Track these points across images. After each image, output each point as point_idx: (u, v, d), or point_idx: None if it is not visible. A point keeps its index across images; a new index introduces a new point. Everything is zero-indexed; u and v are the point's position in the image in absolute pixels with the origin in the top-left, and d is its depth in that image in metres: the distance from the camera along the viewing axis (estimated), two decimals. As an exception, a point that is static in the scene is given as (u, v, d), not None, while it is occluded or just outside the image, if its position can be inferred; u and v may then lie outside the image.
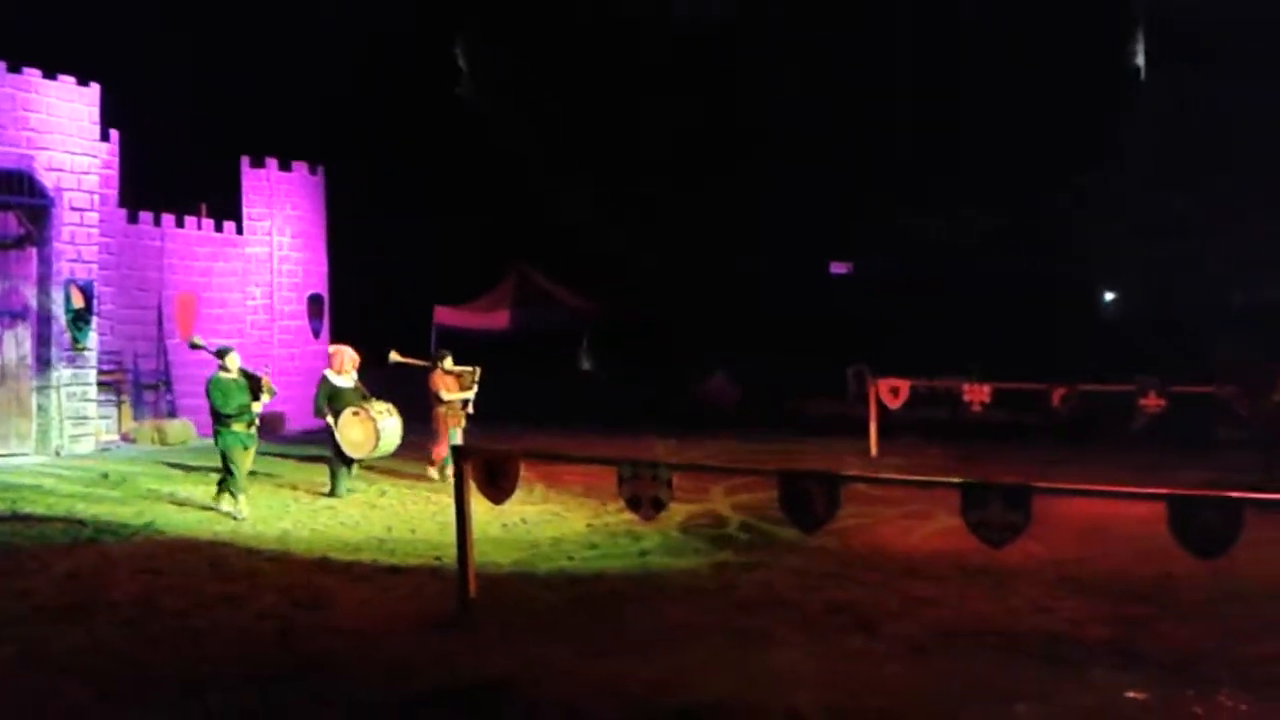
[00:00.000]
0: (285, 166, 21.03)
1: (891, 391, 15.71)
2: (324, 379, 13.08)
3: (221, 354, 11.86)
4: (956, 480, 8.24)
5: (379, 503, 12.70)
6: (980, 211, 21.74)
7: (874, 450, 16.23)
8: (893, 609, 8.32)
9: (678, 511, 11.54)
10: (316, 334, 21.31)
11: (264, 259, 20.63)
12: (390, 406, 13.17)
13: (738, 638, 7.60)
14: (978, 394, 15.75)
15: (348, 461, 12.95)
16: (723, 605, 8.44)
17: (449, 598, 8.28)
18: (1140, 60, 17.81)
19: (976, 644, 7.48)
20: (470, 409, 14.13)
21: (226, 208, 20.53)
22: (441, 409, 13.90)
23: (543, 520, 11.57)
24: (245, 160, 20.82)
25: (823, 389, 21.24)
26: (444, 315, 21.73)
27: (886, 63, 22.32)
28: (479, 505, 8.31)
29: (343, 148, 23.36)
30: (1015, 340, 18.79)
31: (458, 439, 13.64)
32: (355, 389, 13.11)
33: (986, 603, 8.51)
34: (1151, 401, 15.42)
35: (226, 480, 11.73)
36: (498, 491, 8.14)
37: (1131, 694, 6.46)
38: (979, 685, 6.62)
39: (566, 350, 19.30)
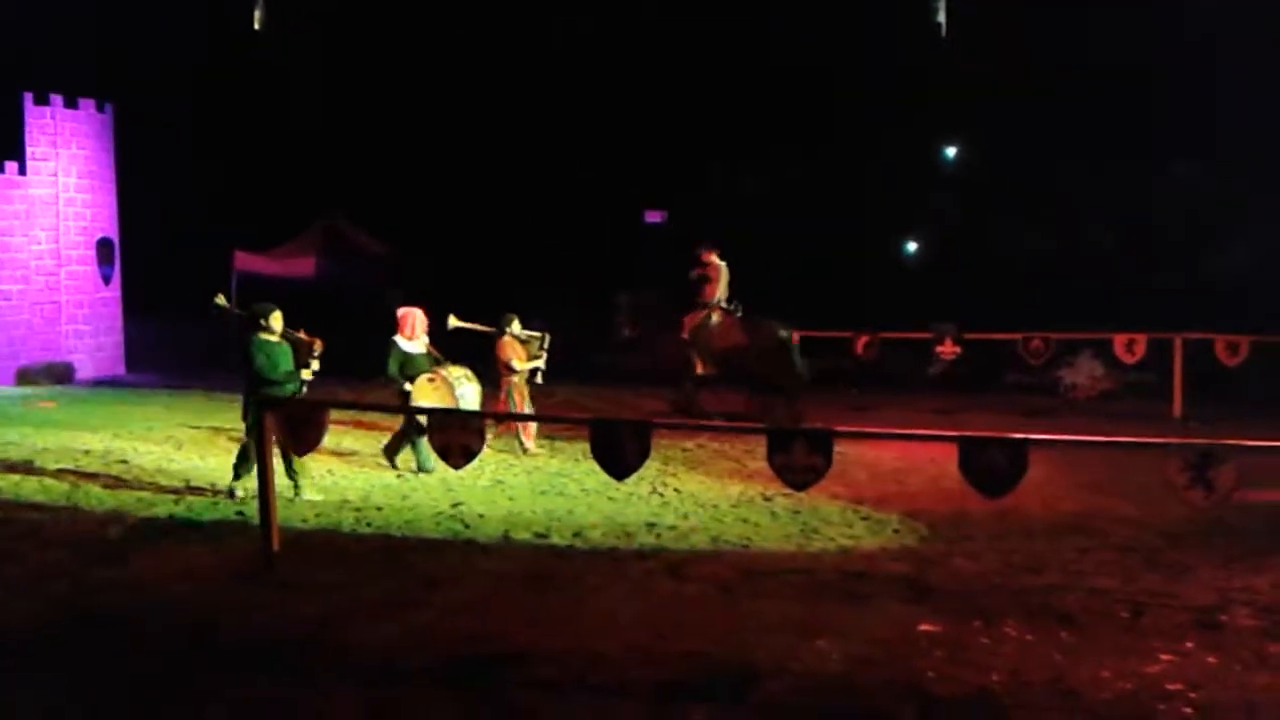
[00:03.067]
0: (71, 104, 19.72)
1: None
2: (393, 345, 11.72)
3: (261, 313, 10.14)
4: (762, 426, 8.43)
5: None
6: (786, 161, 22.17)
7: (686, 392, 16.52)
8: (703, 552, 8.48)
9: (489, 460, 11.46)
10: (106, 280, 20.18)
11: (49, 201, 19.34)
12: (468, 371, 12.09)
13: (548, 586, 7.60)
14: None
15: (423, 431, 11.20)
16: (535, 554, 8.43)
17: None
18: (942, 17, 18.39)
19: (781, 583, 7.70)
20: (540, 379, 13.00)
21: (7, 147, 19.16)
22: (514, 379, 12.66)
23: (352, 472, 11.31)
24: (28, 97, 19.46)
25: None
26: (245, 261, 20.82)
27: (694, 6, 22.42)
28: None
29: (134, 85, 22.04)
30: (821, 288, 19.30)
31: (529, 411, 12.69)
32: (427, 355, 11.94)
33: (792, 543, 8.76)
34: (947, 348, 16.09)
35: (242, 459, 10.13)
36: (302, 443, 7.90)
37: (925, 626, 6.76)
38: (782, 622, 6.81)
39: (377, 300, 18.76)
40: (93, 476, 10.96)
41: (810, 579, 7.80)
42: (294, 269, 20.96)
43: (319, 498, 10.09)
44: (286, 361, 10.08)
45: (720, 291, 14.54)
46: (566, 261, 21.48)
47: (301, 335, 10.35)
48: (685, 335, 14.47)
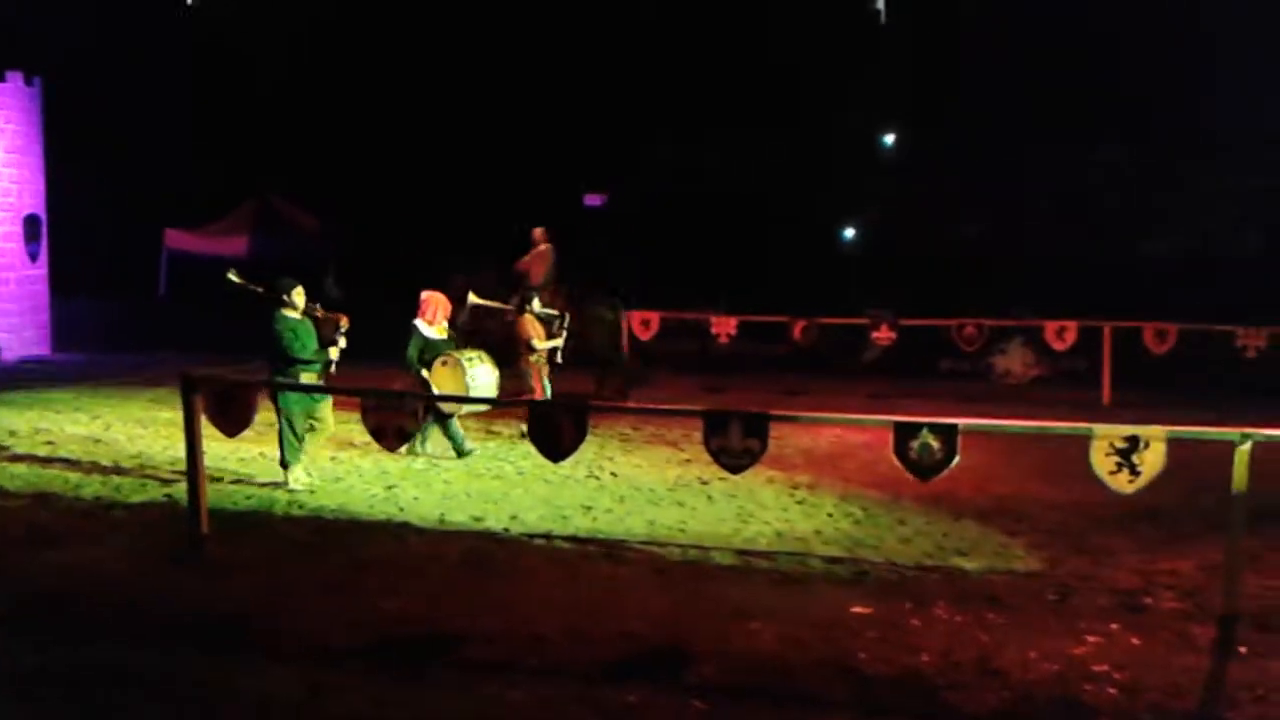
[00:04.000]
0: (-3, 76, 19.21)
1: (643, 324, 15.92)
2: (414, 331, 11.31)
3: (283, 289, 9.67)
4: (699, 409, 8.44)
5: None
6: (725, 147, 22.24)
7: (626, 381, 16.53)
8: (639, 535, 8.49)
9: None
10: (33, 257, 19.71)
11: (-28, 176, 18.86)
12: (481, 353, 11.68)
13: (485, 569, 7.58)
14: (724, 326, 16.18)
15: (443, 417, 11.16)
16: (470, 538, 8.39)
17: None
18: (881, 4, 18.56)
19: (717, 566, 7.74)
20: (560, 359, 12.58)
21: (-71, 119, 18.60)
22: (534, 358, 12.29)
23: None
24: (-48, 68, 18.91)
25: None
26: (176, 239, 20.52)
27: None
28: (218, 438, 7.93)
29: (63, 58, 21.52)
30: (760, 273, 19.41)
31: (548, 391, 12.34)
32: (448, 340, 11.59)
33: (728, 526, 8.79)
34: (883, 334, 16.25)
35: (284, 444, 9.69)
36: (230, 424, 7.78)
37: (857, 608, 6.83)
38: (717, 604, 6.85)
39: (311, 277, 18.50)
40: (20, 458, 10.72)
41: (746, 562, 7.84)
42: (226, 246, 20.65)
43: (311, 483, 9.79)
44: (312, 339, 9.71)
45: (544, 273, 14.29)
46: (505, 244, 21.37)
47: (321, 312, 9.99)
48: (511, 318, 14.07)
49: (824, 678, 5.81)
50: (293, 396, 9.51)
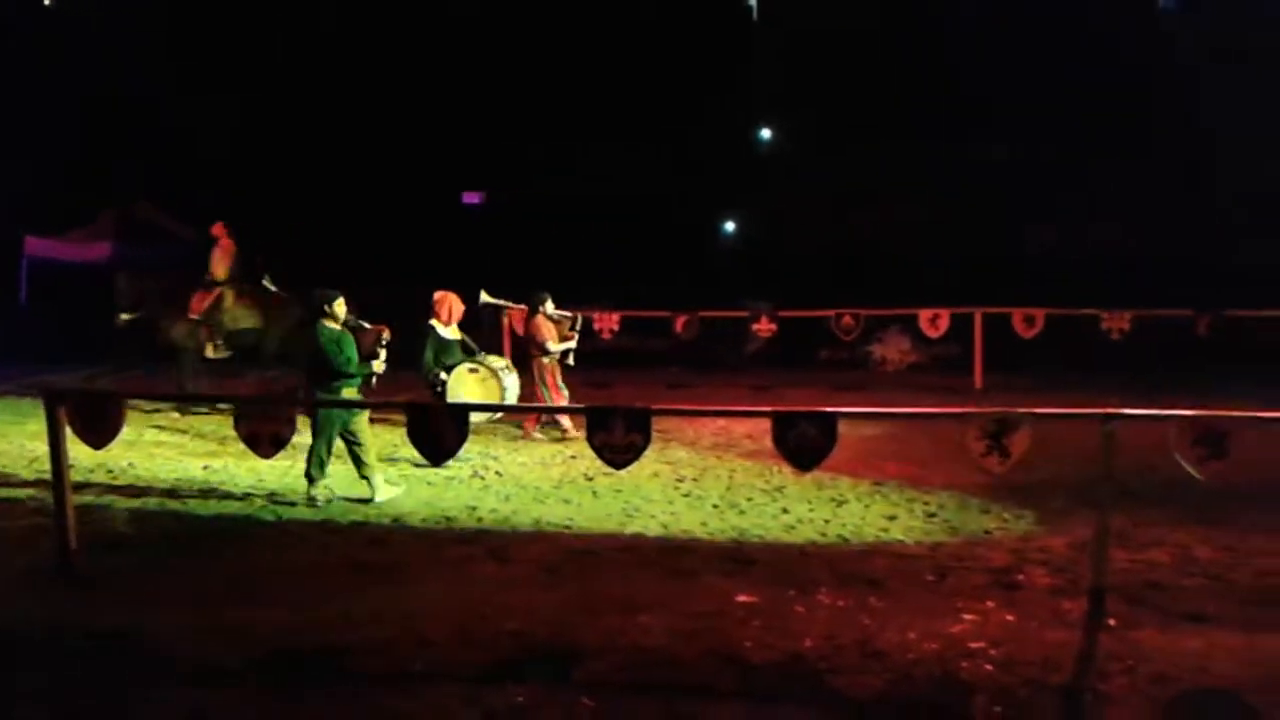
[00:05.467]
0: None
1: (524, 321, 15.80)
2: (431, 331, 11.00)
3: (325, 300, 9.25)
4: (581, 406, 8.46)
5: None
6: (609, 142, 22.25)
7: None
8: (525, 534, 8.45)
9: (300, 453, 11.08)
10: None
11: None
12: (508, 362, 11.53)
13: (368, 574, 7.46)
14: (607, 321, 16.20)
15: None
16: (352, 542, 8.25)
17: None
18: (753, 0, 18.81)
19: (604, 561, 7.75)
20: (571, 360, 12.39)
21: None
22: (546, 360, 12.01)
23: (156, 463, 10.82)
24: None
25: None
26: (36, 246, 19.72)
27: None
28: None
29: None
30: (641, 268, 19.46)
31: (565, 393, 12.15)
32: (461, 342, 11.35)
33: (614, 522, 8.81)
34: (763, 326, 16.46)
35: (315, 456, 9.27)
36: (98, 436, 7.50)
37: (743, 597, 6.90)
38: (606, 599, 6.86)
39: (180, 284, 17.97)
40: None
41: (633, 557, 7.86)
42: (88, 253, 19.94)
43: (397, 491, 9.49)
44: (354, 352, 9.33)
45: (229, 269, 14.16)
46: (382, 243, 21.05)
47: (364, 324, 9.67)
48: (194, 315, 13.83)
49: (711, 667, 5.86)
50: (335, 412, 9.13)
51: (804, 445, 6.91)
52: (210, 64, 22.80)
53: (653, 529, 8.61)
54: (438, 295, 11.22)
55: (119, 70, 22.30)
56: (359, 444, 9.27)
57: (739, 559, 7.76)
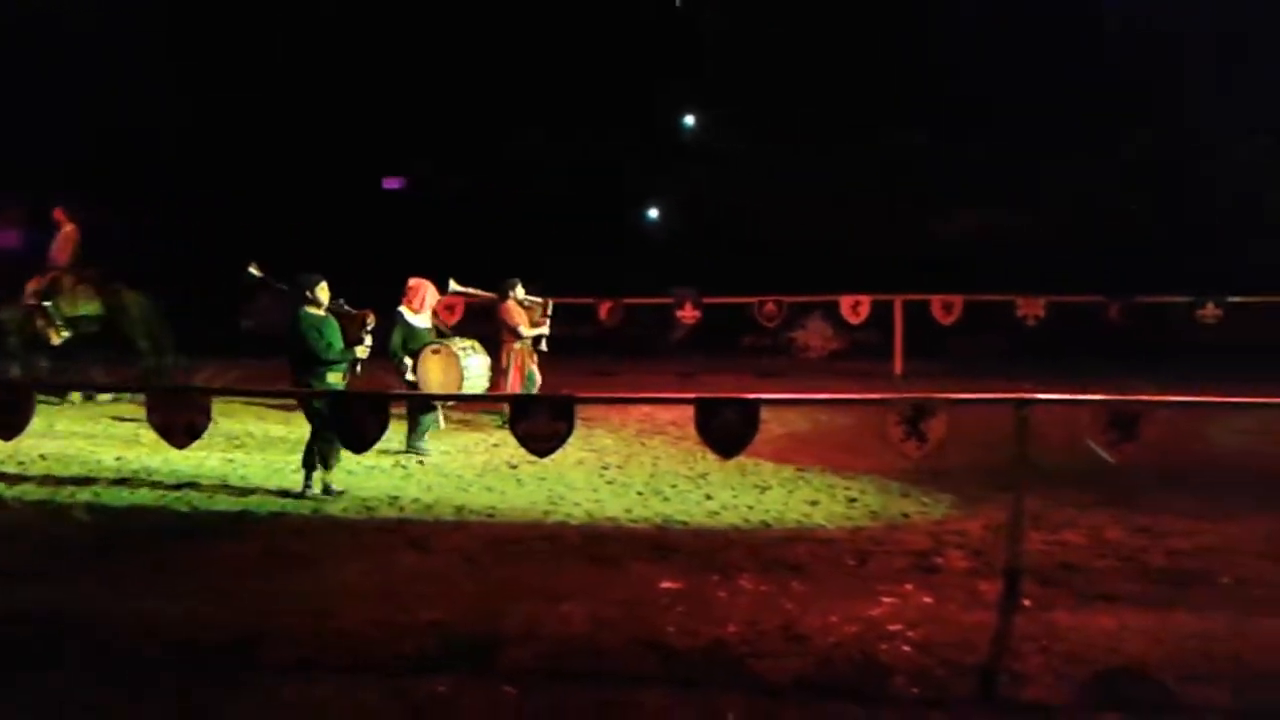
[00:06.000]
0: None
1: (449, 309, 15.68)
2: (400, 319, 10.80)
3: (306, 284, 9.04)
4: (505, 394, 8.40)
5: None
6: (531, 128, 22.13)
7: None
8: (447, 523, 8.37)
9: (216, 442, 10.86)
10: None
11: None
12: (475, 343, 11.34)
13: (286, 564, 7.34)
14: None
15: (428, 409, 10.71)
16: (271, 532, 8.11)
17: None
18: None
19: (527, 550, 7.70)
20: (545, 346, 12.37)
21: None
22: (518, 346, 11.95)
23: (67, 455, 10.54)
24: None
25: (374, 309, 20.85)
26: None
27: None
28: None
29: None
30: (564, 255, 19.38)
31: (538, 380, 12.06)
32: (432, 329, 11.16)
33: (538, 510, 8.77)
34: (688, 313, 16.50)
35: (319, 451, 8.97)
36: (8, 429, 7.30)
37: (666, 584, 6.91)
38: (528, 587, 6.82)
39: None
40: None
41: (556, 545, 7.83)
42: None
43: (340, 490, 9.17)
44: (338, 339, 9.07)
45: (71, 254, 13.84)
46: (301, 230, 20.69)
47: (348, 308, 9.40)
48: (32, 300, 13.61)
49: (634, 654, 5.86)
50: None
51: (727, 432, 6.92)
52: (132, 54, 22.22)
53: (577, 516, 8.58)
54: (412, 282, 11.10)
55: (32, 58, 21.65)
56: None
57: (663, 546, 7.76)
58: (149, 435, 9.06)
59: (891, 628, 6.18)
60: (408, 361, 10.79)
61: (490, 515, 8.61)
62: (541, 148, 22.06)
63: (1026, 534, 7.13)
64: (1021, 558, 6.82)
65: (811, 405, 12.62)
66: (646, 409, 12.63)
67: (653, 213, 24.17)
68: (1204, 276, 16.19)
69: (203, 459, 10.11)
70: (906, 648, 5.92)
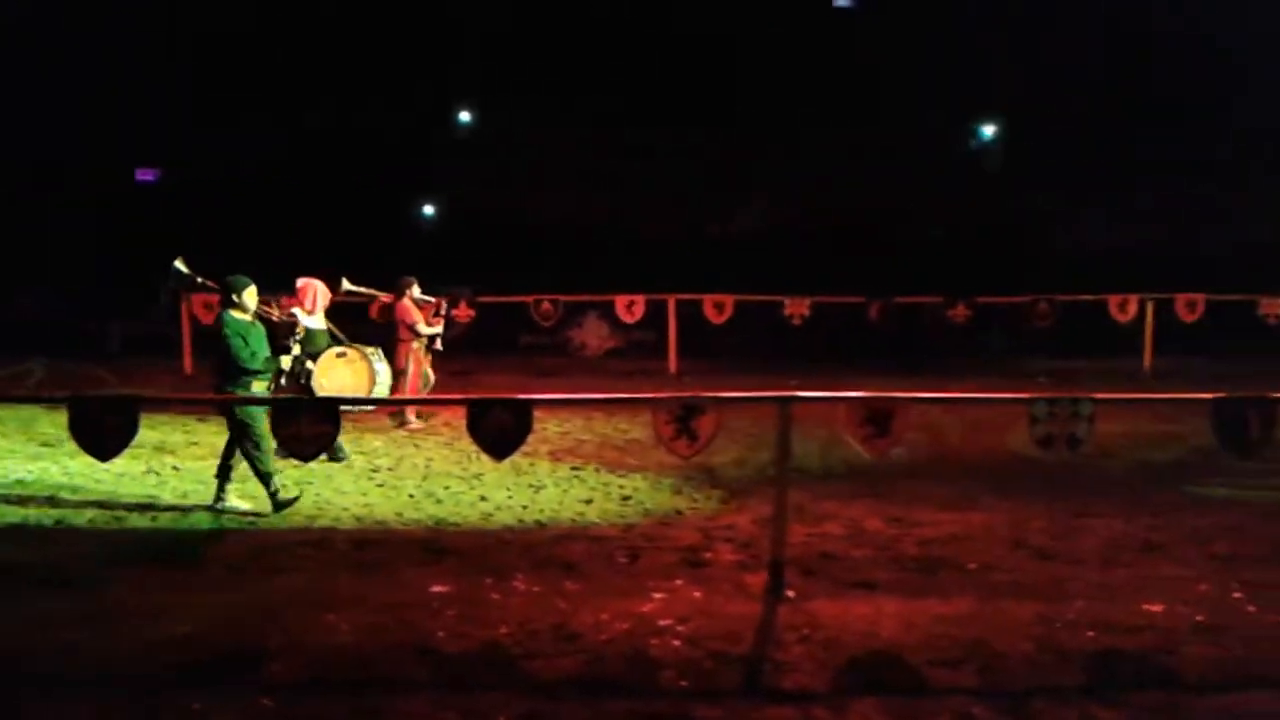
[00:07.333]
0: None
1: (206, 307, 15.00)
2: (294, 320, 9.90)
3: (234, 287, 8.39)
4: (267, 397, 8.08)
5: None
6: (303, 120, 21.46)
7: (189, 368, 15.63)
8: (205, 532, 7.99)
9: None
10: None
11: None
12: (379, 350, 10.79)
13: (30, 580, 6.84)
14: (289, 304, 15.59)
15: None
16: (11, 547, 7.53)
17: None
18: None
19: (292, 558, 7.43)
20: (440, 345, 11.98)
21: None
22: (415, 344, 11.64)
23: None
24: None
25: (133, 309, 19.84)
26: None
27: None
28: None
29: None
30: (337, 252, 18.84)
31: (432, 380, 11.77)
32: (328, 331, 10.43)
33: (303, 516, 8.46)
34: (462, 311, 16.31)
35: (254, 461, 8.34)
36: None
37: (437, 588, 6.79)
38: (291, 597, 6.57)
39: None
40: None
41: (323, 551, 7.58)
42: None
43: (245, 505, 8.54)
44: (263, 346, 8.40)
45: None
46: (47, 225, 19.41)
47: (275, 313, 8.86)
48: None
49: (402, 660, 5.72)
50: (254, 409, 8.28)
51: (499, 433, 6.85)
52: None
53: (345, 522, 8.34)
54: (301, 282, 10.59)
55: None
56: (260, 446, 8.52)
57: (434, 549, 7.62)
58: None
59: (662, 623, 6.25)
60: (310, 365, 10.27)
61: (252, 523, 8.26)
62: (309, 141, 21.41)
63: (790, 527, 7.33)
64: (785, 550, 7.01)
65: (586, 405, 12.68)
66: (422, 410, 12.39)
67: (428, 209, 23.82)
68: (953, 279, 17.20)
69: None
70: (676, 642, 6.00)
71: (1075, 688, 5.43)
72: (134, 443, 6.93)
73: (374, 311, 12.30)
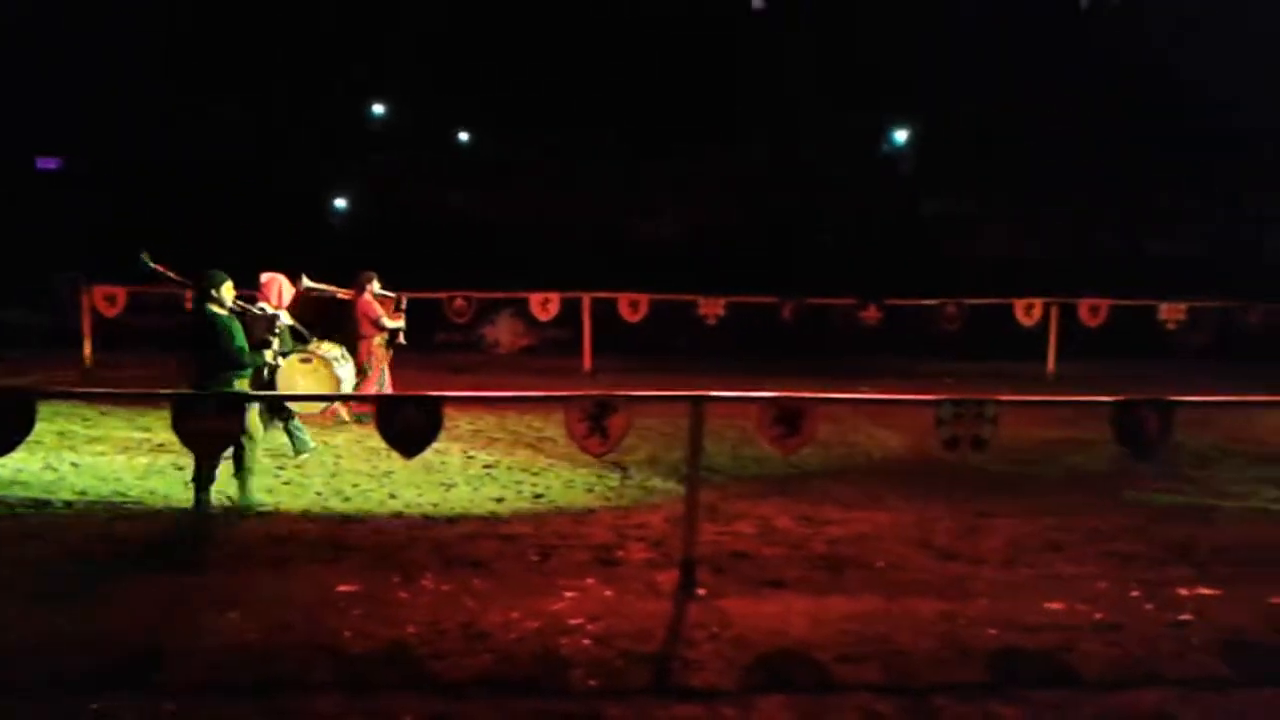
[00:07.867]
0: None
1: (107, 300, 14.65)
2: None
3: (212, 283, 8.22)
4: (168, 391, 7.89)
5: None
6: (212, 111, 21.03)
7: (89, 361, 15.23)
8: (103, 530, 7.78)
9: None
10: None
11: None
12: (343, 350, 10.59)
13: None
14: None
15: (289, 415, 9.83)
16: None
17: None
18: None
19: (195, 557, 7.26)
20: (404, 339, 11.88)
21: None
22: (377, 340, 11.49)
23: None
24: None
25: (26, 300, 19.27)
26: None
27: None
28: None
29: None
30: (244, 245, 18.50)
31: (388, 379, 11.58)
32: (292, 328, 10.17)
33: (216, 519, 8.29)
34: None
35: (243, 459, 8.28)
36: None
37: (344, 587, 6.70)
38: (194, 596, 6.45)
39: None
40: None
41: (227, 549, 7.44)
42: None
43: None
44: (245, 340, 8.24)
45: None
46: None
47: (251, 308, 8.69)
48: None
49: (307, 660, 5.63)
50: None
51: (409, 430, 6.79)
52: None
53: (251, 518, 8.18)
54: (265, 277, 10.31)
55: None
56: (251, 440, 8.35)
57: (342, 546, 7.52)
58: None
59: (572, 621, 6.24)
60: (280, 361, 9.96)
61: (154, 519, 8.06)
62: (220, 130, 20.98)
63: (702, 525, 7.38)
64: (696, 548, 7.05)
65: (499, 403, 12.61)
66: (333, 406, 12.21)
67: (340, 202, 23.50)
68: (866, 280, 17.45)
69: None
70: (586, 641, 6.00)
71: (977, 685, 5.55)
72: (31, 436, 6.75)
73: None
